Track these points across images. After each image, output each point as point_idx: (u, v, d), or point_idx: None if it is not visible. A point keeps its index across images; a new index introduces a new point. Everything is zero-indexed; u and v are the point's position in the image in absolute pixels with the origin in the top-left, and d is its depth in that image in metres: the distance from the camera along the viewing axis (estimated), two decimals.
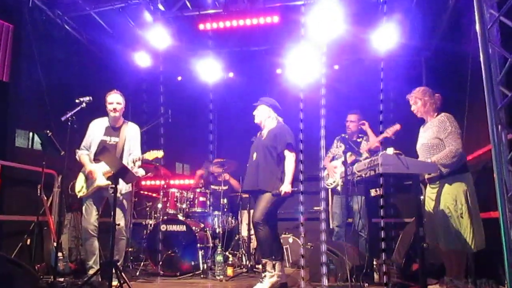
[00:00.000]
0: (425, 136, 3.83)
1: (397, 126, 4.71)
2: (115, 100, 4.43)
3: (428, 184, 3.79)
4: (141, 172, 4.48)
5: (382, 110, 5.16)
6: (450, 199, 3.54)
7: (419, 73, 6.32)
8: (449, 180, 3.59)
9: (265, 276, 3.90)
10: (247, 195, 5.67)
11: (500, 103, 2.83)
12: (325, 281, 4.04)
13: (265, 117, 4.33)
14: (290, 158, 4.10)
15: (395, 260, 4.46)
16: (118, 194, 4.00)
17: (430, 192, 3.75)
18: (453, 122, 3.70)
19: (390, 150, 3.52)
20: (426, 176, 3.76)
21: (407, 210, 5.70)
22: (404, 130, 4.97)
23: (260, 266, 5.27)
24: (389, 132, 4.73)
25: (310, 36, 5.58)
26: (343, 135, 5.59)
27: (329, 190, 5.51)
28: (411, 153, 3.75)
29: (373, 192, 5.11)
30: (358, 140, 5.44)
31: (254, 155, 4.26)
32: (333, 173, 5.34)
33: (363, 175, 3.80)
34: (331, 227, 5.51)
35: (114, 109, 4.42)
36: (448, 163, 3.53)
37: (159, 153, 4.30)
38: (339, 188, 5.30)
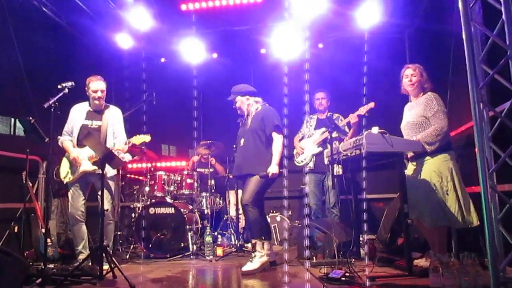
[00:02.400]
0: (411, 114, 3.87)
1: (371, 104, 4.79)
2: (99, 88, 4.37)
3: (410, 162, 3.85)
4: (127, 157, 4.47)
5: (365, 83, 5.22)
6: (435, 176, 3.59)
7: (402, 50, 6.34)
8: (435, 157, 3.63)
9: (255, 256, 3.97)
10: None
11: (482, 81, 2.89)
12: (307, 254, 4.20)
13: (246, 105, 4.35)
14: (278, 140, 4.14)
15: (380, 235, 4.58)
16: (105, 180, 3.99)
17: (412, 170, 3.82)
18: (439, 101, 3.74)
19: (375, 129, 3.58)
20: (409, 154, 3.83)
21: (391, 186, 5.83)
22: (387, 108, 5.04)
23: (249, 245, 5.37)
24: (363, 110, 4.80)
25: (294, 15, 5.56)
26: (312, 115, 5.70)
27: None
28: (395, 131, 3.81)
29: (336, 170, 5.24)
30: (334, 117, 5.51)
31: (242, 141, 4.28)
32: (301, 152, 5.48)
33: (349, 154, 3.85)
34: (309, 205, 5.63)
35: (99, 97, 4.37)
36: (432, 141, 3.58)
37: (146, 138, 4.28)
38: (311, 165, 5.40)
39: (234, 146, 4.59)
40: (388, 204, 4.91)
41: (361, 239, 4.44)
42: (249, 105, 4.35)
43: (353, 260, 3.93)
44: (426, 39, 5.78)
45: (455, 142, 4.48)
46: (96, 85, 4.36)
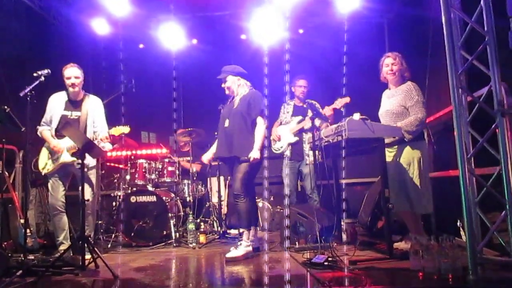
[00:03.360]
0: (390, 102, 3.92)
1: (346, 99, 4.82)
2: (72, 74, 4.26)
3: (387, 148, 3.91)
4: (108, 146, 4.40)
5: (344, 69, 5.25)
6: (404, 164, 3.74)
7: (382, 36, 6.38)
8: (409, 145, 3.74)
9: (240, 244, 3.98)
10: (216, 163, 5.68)
11: (461, 67, 2.94)
12: (288, 243, 4.24)
13: (236, 86, 4.28)
14: (261, 125, 4.12)
15: (361, 219, 4.65)
16: (85, 170, 3.93)
17: (388, 156, 3.89)
18: (419, 91, 3.82)
19: (356, 116, 3.61)
20: (387, 141, 3.88)
21: (371, 170, 5.92)
22: (366, 93, 5.08)
23: (231, 231, 5.40)
24: (339, 104, 4.84)
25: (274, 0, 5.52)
26: (289, 101, 5.70)
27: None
28: (373, 117, 3.86)
29: (309, 158, 5.38)
30: (305, 106, 5.53)
31: (226, 122, 4.22)
32: (277, 139, 5.52)
33: (331, 140, 3.88)
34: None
35: (73, 84, 4.26)
36: (412, 130, 3.67)
37: (125, 129, 4.22)
38: (288, 153, 5.45)
39: (216, 133, 4.55)
40: (368, 188, 4.99)
41: (342, 223, 4.51)
42: (239, 85, 4.28)
43: (335, 244, 4.00)
44: (405, 24, 5.83)
45: (434, 127, 4.58)
46: (70, 71, 4.26)
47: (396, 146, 3.82)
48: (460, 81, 2.90)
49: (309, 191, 5.41)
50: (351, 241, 4.21)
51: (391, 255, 3.44)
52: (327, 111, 5.00)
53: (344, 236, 4.44)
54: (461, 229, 3.70)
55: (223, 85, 4.33)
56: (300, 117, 5.42)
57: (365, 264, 3.27)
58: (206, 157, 4.61)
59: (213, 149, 4.51)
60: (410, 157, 3.72)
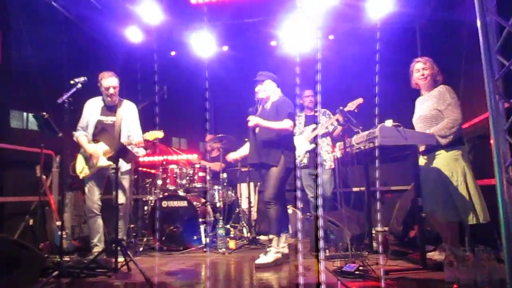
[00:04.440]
0: (423, 107, 3.83)
1: (359, 100, 4.83)
2: (111, 84, 4.38)
3: (421, 155, 3.82)
4: (141, 151, 4.50)
5: (376, 75, 5.19)
6: (447, 171, 3.59)
7: (414, 41, 6.28)
8: (446, 150, 3.61)
9: (270, 250, 3.97)
10: (246, 168, 5.72)
11: (497, 73, 2.84)
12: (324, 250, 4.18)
13: (272, 91, 4.32)
14: (286, 122, 4.09)
15: (393, 228, 4.57)
16: (119, 174, 4.04)
17: (424, 163, 3.79)
18: (453, 93, 3.70)
19: (389, 122, 3.56)
20: (421, 148, 3.80)
21: (402, 178, 5.81)
22: (398, 100, 5.01)
23: (261, 237, 5.40)
24: (352, 105, 4.81)
25: (305, 6, 5.52)
26: (299, 113, 5.75)
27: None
28: (406, 124, 3.79)
29: (329, 164, 5.44)
30: (316, 114, 5.67)
31: (257, 129, 4.25)
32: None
33: (362, 147, 3.84)
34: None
35: (111, 94, 4.39)
36: (447, 134, 3.56)
37: (159, 134, 4.32)
38: (305, 161, 5.47)
39: (246, 139, 4.58)
40: (399, 196, 4.90)
41: (373, 232, 4.44)
42: (274, 92, 4.32)
43: (366, 253, 3.94)
44: (438, 29, 5.72)
45: (468, 134, 4.46)
46: (108, 81, 4.38)
47: (434, 153, 3.69)
48: (497, 87, 2.81)
49: (327, 198, 5.40)
50: (383, 250, 4.14)
51: (424, 265, 3.36)
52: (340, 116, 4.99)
53: (375, 245, 4.37)
54: (498, 240, 3.57)
55: (258, 88, 4.32)
56: (313, 125, 5.45)
57: (397, 274, 3.20)
58: (232, 156, 4.67)
59: (241, 151, 4.55)
60: (451, 164, 3.57)
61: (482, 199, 3.51)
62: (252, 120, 4.17)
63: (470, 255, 2.82)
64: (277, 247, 4.01)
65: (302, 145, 5.48)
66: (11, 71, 5.12)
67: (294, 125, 4.21)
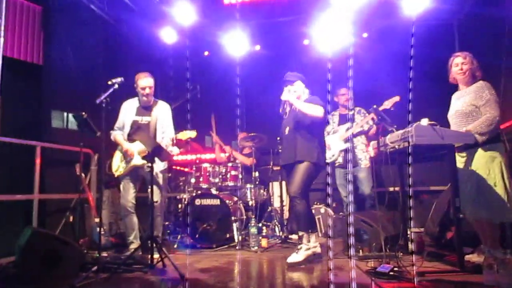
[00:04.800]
0: (460, 103, 3.73)
1: (396, 98, 4.74)
2: (147, 85, 4.50)
3: (457, 153, 3.72)
4: (175, 150, 4.58)
5: (410, 73, 5.06)
6: (483, 169, 3.49)
7: (451, 38, 6.10)
8: (483, 148, 3.51)
9: (301, 248, 3.97)
10: (278, 168, 5.73)
11: None
12: (352, 251, 4.14)
13: (302, 92, 4.31)
14: (318, 107, 4.06)
15: (428, 229, 4.47)
16: (155, 173, 4.12)
17: (459, 161, 3.69)
18: (491, 89, 3.59)
19: (424, 121, 3.49)
20: (456, 145, 3.69)
21: (438, 178, 5.67)
22: (434, 98, 4.88)
23: (293, 237, 5.39)
24: (388, 104, 4.71)
25: (338, 4, 5.46)
26: (333, 112, 5.74)
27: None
28: (442, 122, 3.70)
29: (364, 163, 5.35)
30: (351, 113, 5.59)
31: (287, 130, 4.26)
32: (326, 149, 5.43)
33: (396, 146, 3.77)
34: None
35: (147, 94, 4.51)
36: (485, 131, 3.45)
37: (192, 133, 4.40)
38: (340, 160, 5.43)
39: (279, 138, 4.59)
40: (436, 196, 4.78)
41: (408, 232, 4.35)
42: (303, 93, 4.31)
43: (401, 254, 3.86)
44: (477, 24, 5.54)
45: (508, 134, 4.30)
46: (144, 82, 4.50)
47: (470, 150, 3.59)
48: None
49: (367, 196, 5.32)
50: (418, 251, 4.05)
51: (462, 268, 3.26)
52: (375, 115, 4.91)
53: (410, 246, 4.28)
54: None
55: (288, 89, 4.29)
56: (348, 124, 5.38)
57: (433, 276, 3.13)
58: None
59: None
60: (488, 162, 3.47)
61: None
62: (285, 95, 4.16)
63: (511, 258, 2.73)
64: (307, 244, 4.00)
65: (336, 144, 5.44)
66: (52, 72, 5.31)
67: (326, 116, 4.16)
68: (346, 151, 5.41)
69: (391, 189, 5.30)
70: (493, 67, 4.59)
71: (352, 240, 4.18)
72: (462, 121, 3.68)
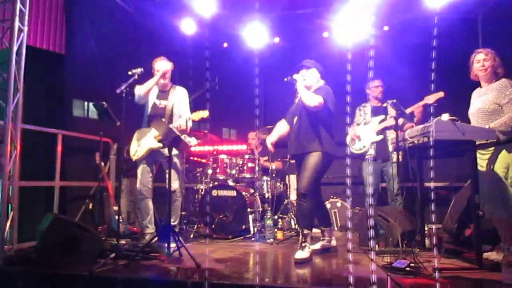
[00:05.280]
0: (482, 100, 3.67)
1: (440, 94, 4.58)
2: (161, 67, 4.57)
3: (478, 151, 3.66)
4: (193, 141, 4.63)
5: (433, 69, 4.98)
6: (500, 167, 3.47)
7: (474, 32, 5.98)
8: (506, 148, 3.47)
9: (305, 246, 3.84)
10: (294, 161, 5.71)
11: None
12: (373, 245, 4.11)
13: (315, 81, 4.20)
14: (318, 96, 3.95)
15: (446, 225, 4.42)
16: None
17: (480, 159, 3.64)
18: None
19: (445, 116, 3.44)
20: (477, 142, 3.64)
21: (457, 174, 5.59)
22: (456, 94, 4.80)
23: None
24: (432, 98, 4.61)
25: None
26: (364, 104, 5.60)
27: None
28: (463, 118, 3.65)
29: (395, 158, 5.13)
30: (384, 105, 5.42)
31: (295, 119, 4.17)
32: (356, 140, 5.42)
33: (416, 142, 3.73)
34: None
35: (162, 77, 4.56)
36: (507, 130, 3.41)
37: (205, 113, 4.41)
38: (372, 152, 5.29)
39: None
40: (455, 193, 4.72)
41: (426, 228, 4.32)
42: (316, 83, 4.20)
43: (418, 250, 3.84)
44: (502, 18, 5.41)
45: None
46: (159, 64, 4.59)
47: (491, 149, 3.55)
48: None
49: (395, 193, 5.23)
50: (436, 247, 4.01)
51: (480, 265, 3.23)
52: (416, 108, 4.82)
53: (427, 242, 4.25)
54: None
55: (301, 75, 4.16)
56: (382, 116, 5.29)
57: (451, 273, 3.11)
58: (270, 141, 4.40)
59: (276, 133, 4.41)
60: (508, 160, 3.44)
61: None
62: (296, 77, 4.08)
63: None
64: (311, 242, 3.93)
65: (368, 136, 5.36)
66: (74, 62, 5.40)
67: (325, 104, 3.96)
68: (378, 143, 5.30)
69: (409, 184, 5.25)
70: None
71: (371, 233, 4.16)
72: (484, 119, 3.63)
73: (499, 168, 3.47)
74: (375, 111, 5.46)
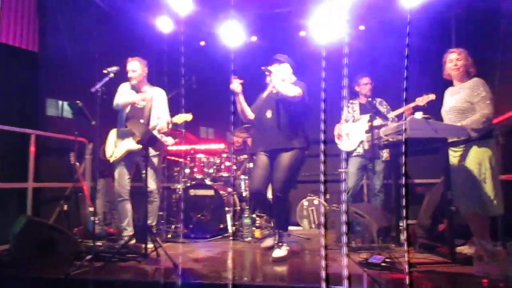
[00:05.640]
0: (455, 99, 3.78)
1: (431, 96, 4.59)
2: (130, 68, 4.57)
3: (451, 148, 3.76)
4: (170, 140, 4.59)
5: (407, 68, 5.06)
6: (474, 164, 3.57)
7: (448, 32, 6.11)
8: (477, 144, 3.58)
9: (282, 244, 3.85)
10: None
11: None
12: (344, 240, 4.15)
13: (287, 76, 4.11)
14: (297, 88, 3.89)
15: (421, 221, 4.51)
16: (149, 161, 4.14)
17: (452, 156, 3.74)
18: (486, 86, 3.65)
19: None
20: (449, 139, 3.73)
21: (432, 171, 5.71)
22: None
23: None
24: (423, 100, 4.66)
25: None
26: (352, 101, 5.58)
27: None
28: (436, 116, 3.73)
29: (384, 156, 5.19)
30: (377, 101, 5.42)
31: (269, 113, 4.03)
32: (345, 137, 5.40)
33: (390, 139, 3.80)
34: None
35: (130, 77, 4.56)
36: (479, 128, 3.52)
37: (188, 117, 4.36)
38: (360, 150, 5.31)
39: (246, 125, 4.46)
40: (429, 189, 4.82)
41: (401, 224, 4.40)
42: (289, 79, 4.10)
43: (393, 246, 3.91)
44: (475, 19, 5.55)
45: (501, 128, 4.35)
46: (129, 65, 4.57)
47: (462, 146, 3.66)
48: None
49: (377, 190, 5.29)
50: (411, 243, 4.10)
51: (453, 259, 3.33)
52: (407, 109, 4.83)
53: (402, 238, 4.34)
54: None
55: (274, 68, 4.08)
56: (369, 115, 5.30)
57: (425, 267, 3.18)
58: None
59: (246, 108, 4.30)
60: (480, 157, 3.55)
61: (501, 192, 3.52)
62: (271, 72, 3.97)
63: (501, 249, 2.78)
64: (287, 241, 3.94)
65: (357, 134, 5.33)
66: (48, 60, 5.28)
67: (303, 98, 3.91)
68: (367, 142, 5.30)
69: (384, 182, 5.35)
70: (489, 63, 4.62)
71: (345, 230, 4.21)
72: (456, 117, 3.72)
73: (472, 164, 3.57)
74: (363, 109, 5.44)
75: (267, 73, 4.09)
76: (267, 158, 4.04)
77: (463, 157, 3.65)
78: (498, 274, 2.71)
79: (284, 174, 3.87)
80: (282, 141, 3.91)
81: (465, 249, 3.61)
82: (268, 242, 3.98)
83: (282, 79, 4.03)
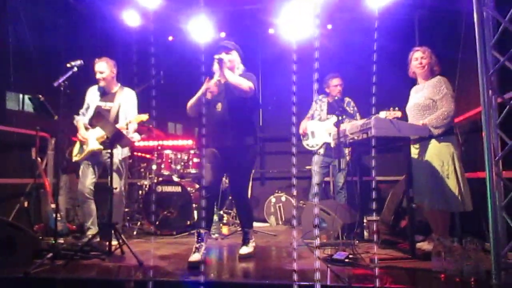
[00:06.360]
0: (418, 96, 3.88)
1: (398, 113, 4.52)
2: (97, 69, 4.46)
3: (412, 145, 3.86)
4: (136, 136, 4.52)
5: (374, 84, 5.16)
6: (437, 160, 3.66)
7: (412, 32, 6.28)
8: (437, 140, 3.68)
9: (249, 242, 3.87)
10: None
11: (492, 67, 2.87)
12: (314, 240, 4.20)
13: (236, 65, 3.82)
14: (249, 82, 3.64)
15: (384, 218, 4.63)
16: (116, 160, 4.07)
17: (414, 153, 3.84)
18: (448, 84, 3.77)
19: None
20: (412, 137, 3.83)
21: (396, 168, 5.85)
22: (395, 90, 5.01)
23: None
24: (390, 115, 4.68)
25: None
26: (321, 98, 5.60)
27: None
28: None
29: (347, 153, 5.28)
30: (345, 101, 5.49)
31: (219, 106, 3.74)
32: (310, 135, 5.44)
33: (355, 138, 3.88)
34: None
35: (98, 78, 4.47)
36: (439, 125, 3.63)
37: (144, 117, 4.30)
38: (321, 151, 5.38)
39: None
40: (392, 186, 4.95)
41: (364, 221, 4.51)
42: (238, 68, 3.83)
43: (357, 242, 4.00)
44: (437, 20, 5.73)
45: (461, 127, 4.51)
46: (96, 66, 4.46)
47: (424, 142, 3.75)
48: (491, 82, 2.84)
49: (340, 187, 5.35)
50: (373, 239, 4.20)
51: (413, 255, 3.43)
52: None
53: (366, 234, 4.44)
54: (486, 232, 3.64)
55: (222, 56, 3.67)
56: (335, 117, 5.32)
57: (386, 262, 3.26)
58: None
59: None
60: (441, 153, 3.64)
61: (467, 189, 3.61)
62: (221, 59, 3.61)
63: (458, 245, 2.89)
64: (253, 239, 3.96)
65: (321, 135, 5.35)
66: (7, 53, 5.09)
67: (254, 88, 3.67)
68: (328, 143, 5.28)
69: (349, 179, 5.44)
70: (450, 63, 4.76)
71: (311, 227, 4.27)
72: (419, 113, 3.82)
73: (435, 161, 3.66)
74: (331, 108, 5.42)
75: (216, 61, 3.71)
76: (218, 154, 3.77)
77: (423, 152, 3.75)
78: (454, 269, 2.81)
79: (240, 175, 3.85)
80: (238, 138, 3.69)
81: (424, 245, 3.72)
82: (195, 257, 3.43)
83: (229, 68, 3.73)
